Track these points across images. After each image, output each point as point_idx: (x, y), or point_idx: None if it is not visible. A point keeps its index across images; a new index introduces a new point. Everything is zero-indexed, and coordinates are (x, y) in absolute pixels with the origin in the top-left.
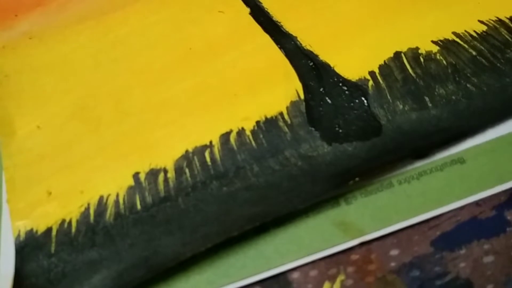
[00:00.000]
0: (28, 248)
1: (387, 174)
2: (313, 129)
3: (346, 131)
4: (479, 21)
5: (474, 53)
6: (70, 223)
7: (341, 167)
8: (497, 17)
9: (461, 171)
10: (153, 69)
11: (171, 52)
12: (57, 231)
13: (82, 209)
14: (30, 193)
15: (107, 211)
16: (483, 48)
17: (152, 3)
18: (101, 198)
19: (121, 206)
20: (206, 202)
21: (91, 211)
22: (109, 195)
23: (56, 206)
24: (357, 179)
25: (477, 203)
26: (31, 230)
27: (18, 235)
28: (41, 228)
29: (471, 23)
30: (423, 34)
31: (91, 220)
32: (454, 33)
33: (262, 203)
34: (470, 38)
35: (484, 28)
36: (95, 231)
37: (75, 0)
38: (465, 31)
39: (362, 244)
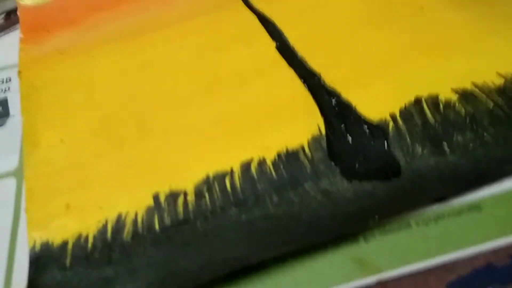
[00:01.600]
0: (43, 259)
1: (406, 215)
2: (333, 164)
3: (366, 169)
4: (498, 73)
5: (492, 104)
6: (86, 238)
7: (360, 204)
8: None
9: (478, 218)
10: (178, 93)
11: (197, 78)
12: (73, 244)
13: (100, 225)
14: (49, 205)
15: (124, 229)
16: (500, 100)
17: (182, 29)
18: (119, 215)
19: (139, 225)
20: (225, 227)
21: (109, 228)
22: (127, 213)
23: (74, 219)
24: (376, 217)
25: (493, 250)
26: (47, 241)
27: (34, 246)
28: (57, 240)
29: (490, 75)
30: (443, 82)
31: (108, 236)
32: (474, 84)
33: (281, 233)
34: (488, 90)
35: (502, 81)
36: (111, 248)
37: (106, 21)
38: (484, 82)
39: (378, 283)
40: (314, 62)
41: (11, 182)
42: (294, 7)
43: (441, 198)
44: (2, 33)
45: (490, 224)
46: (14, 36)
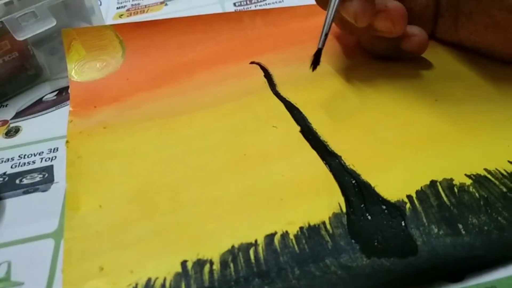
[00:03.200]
0: None
1: None
2: (353, 241)
3: (384, 247)
4: (509, 161)
5: (504, 189)
6: None
7: (379, 280)
8: None
9: None
10: (210, 168)
11: (228, 155)
12: None
13: None
14: (84, 267)
15: None
16: None
17: (216, 111)
18: (149, 280)
19: None
20: None
21: None
22: (156, 278)
23: (106, 282)
24: None
25: None
26: None
27: None
28: None
29: (501, 163)
30: (457, 167)
31: None
32: (486, 170)
33: None
34: (501, 176)
35: None
36: None
37: (148, 101)
38: (496, 169)
39: None
40: (335, 146)
41: (50, 243)
42: (317, 97)
43: (457, 278)
44: (54, 108)
45: None
46: (63, 111)
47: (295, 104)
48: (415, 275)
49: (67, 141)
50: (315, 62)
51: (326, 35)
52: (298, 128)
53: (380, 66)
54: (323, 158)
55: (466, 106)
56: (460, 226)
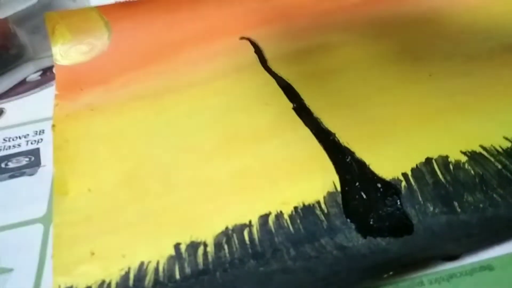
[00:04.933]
0: None
1: (419, 272)
2: (348, 220)
3: (380, 226)
4: (504, 137)
5: (499, 166)
6: (109, 285)
7: (375, 260)
8: None
9: (490, 278)
10: (201, 149)
11: (219, 135)
12: None
13: (123, 272)
14: (75, 252)
15: (146, 277)
16: (508, 163)
17: (206, 89)
18: (141, 264)
19: (161, 274)
20: (243, 279)
21: (131, 276)
22: (149, 262)
23: (98, 267)
24: (391, 273)
25: None
26: (71, 287)
27: None
28: (80, 286)
29: (497, 139)
30: (452, 144)
31: (130, 284)
32: (481, 146)
33: (297, 287)
34: (496, 152)
35: (509, 144)
36: None
37: (135, 81)
38: (492, 145)
39: None
40: (329, 123)
41: (39, 228)
42: (310, 72)
43: (454, 256)
44: (38, 88)
45: (502, 284)
46: (48, 92)
47: (287, 80)
48: (411, 254)
49: (53, 125)
50: None
51: None
52: (291, 105)
53: (371, 41)
54: (316, 135)
55: (459, 81)
56: (456, 204)
